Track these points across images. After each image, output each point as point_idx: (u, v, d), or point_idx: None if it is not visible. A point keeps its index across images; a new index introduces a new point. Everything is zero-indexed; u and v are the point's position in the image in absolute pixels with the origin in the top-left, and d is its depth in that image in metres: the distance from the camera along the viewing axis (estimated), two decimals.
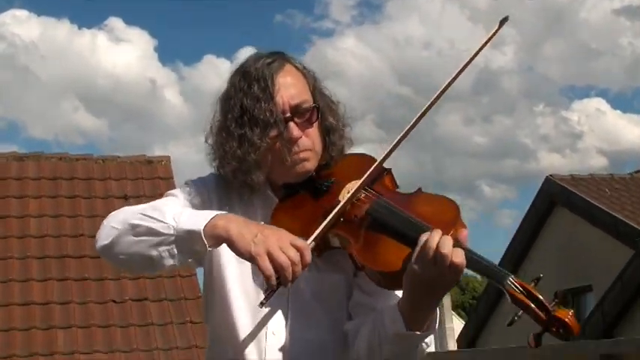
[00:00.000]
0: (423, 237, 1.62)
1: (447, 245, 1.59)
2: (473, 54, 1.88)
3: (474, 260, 1.61)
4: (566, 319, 1.53)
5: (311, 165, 1.90)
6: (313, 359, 1.87)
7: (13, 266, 8.82)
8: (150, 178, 10.33)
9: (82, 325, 8.14)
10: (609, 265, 13.47)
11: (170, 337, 8.16)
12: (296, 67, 1.94)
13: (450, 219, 1.70)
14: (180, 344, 8.00)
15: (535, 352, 3.92)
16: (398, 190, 1.91)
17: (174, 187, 9.94)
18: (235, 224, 1.69)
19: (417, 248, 1.61)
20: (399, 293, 1.73)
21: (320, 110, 1.92)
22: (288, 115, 1.86)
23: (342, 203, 1.77)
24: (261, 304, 1.70)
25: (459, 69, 1.87)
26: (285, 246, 1.65)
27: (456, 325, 15.63)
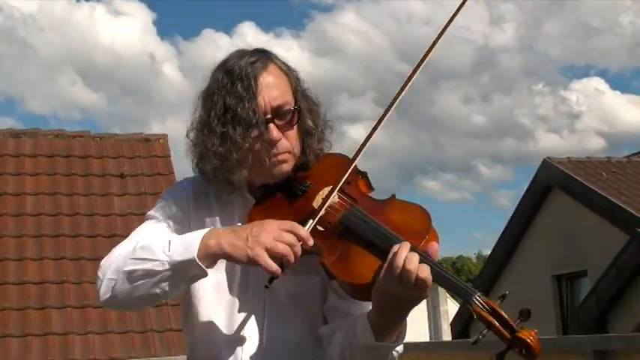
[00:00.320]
0: (392, 251, 1.63)
1: (413, 261, 1.60)
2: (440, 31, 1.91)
3: (440, 276, 1.63)
4: (529, 340, 1.54)
5: (288, 167, 1.91)
6: (291, 359, 1.88)
7: (8, 244, 8.82)
8: (147, 157, 10.31)
9: (77, 306, 8.15)
10: (605, 250, 13.50)
11: (165, 318, 8.17)
12: (279, 67, 1.94)
13: (422, 229, 1.72)
14: (175, 326, 8.01)
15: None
16: (372, 194, 1.92)
17: (171, 166, 9.94)
18: (225, 238, 1.71)
19: (385, 264, 1.63)
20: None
21: (300, 112, 1.93)
22: (269, 116, 1.86)
23: (320, 213, 1.78)
24: (266, 287, 1.73)
25: (433, 42, 1.91)
26: (278, 235, 1.69)
27: (451, 307, 15.63)
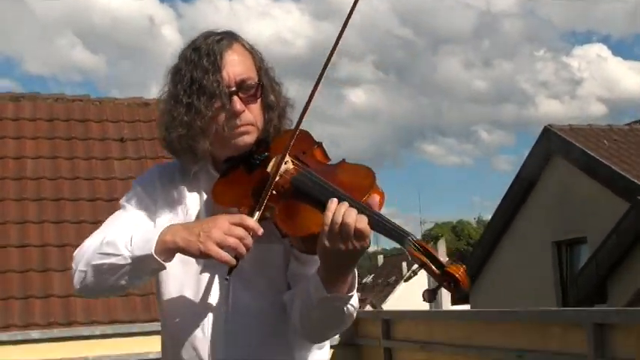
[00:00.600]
0: (331, 204, 1.72)
1: (351, 215, 1.69)
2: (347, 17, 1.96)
3: (378, 223, 1.72)
4: (457, 275, 1.63)
5: (250, 138, 2.01)
6: (256, 327, 1.97)
7: (9, 207, 8.83)
8: (147, 121, 10.25)
9: None
10: (605, 218, 13.52)
11: None
12: (244, 46, 2.06)
13: (365, 185, 1.82)
14: None
15: (527, 316, 3.95)
16: (329, 162, 2.01)
17: None
18: (180, 233, 1.83)
19: (324, 220, 1.71)
20: None
21: (263, 88, 2.04)
22: (233, 89, 1.98)
23: (272, 181, 1.88)
24: (226, 279, 1.86)
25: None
26: (227, 228, 1.79)
27: None
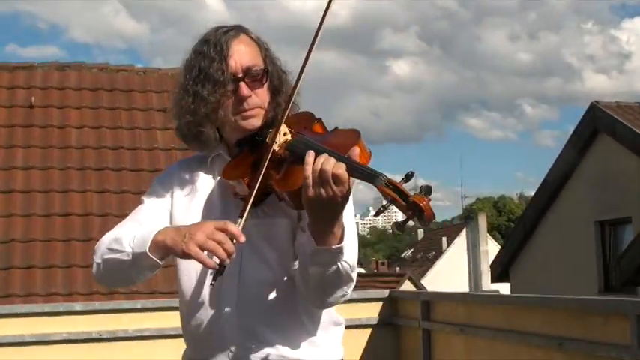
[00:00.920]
0: (309, 157, 1.86)
1: (329, 162, 1.83)
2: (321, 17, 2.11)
3: (354, 169, 1.84)
4: (422, 204, 1.71)
5: (258, 121, 2.16)
6: (267, 297, 2.11)
7: (53, 176, 8.94)
8: None
9: None
10: None
11: None
12: (250, 37, 2.21)
13: (349, 143, 1.94)
14: None
15: (568, 304, 3.89)
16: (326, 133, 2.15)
17: None
18: (170, 234, 1.97)
19: (305, 168, 1.85)
20: None
21: (269, 73, 2.19)
22: (240, 75, 2.13)
23: (269, 153, 2.03)
24: (211, 285, 1.96)
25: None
26: (210, 232, 1.89)
27: (491, 248, 15.60)
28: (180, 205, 2.20)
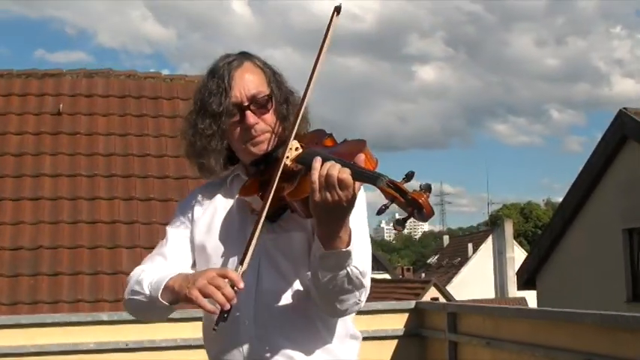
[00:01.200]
0: (316, 163, 1.92)
1: (335, 167, 1.90)
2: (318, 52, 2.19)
3: (359, 173, 1.90)
4: (421, 200, 1.76)
5: (266, 145, 2.24)
6: (283, 309, 2.17)
7: (81, 183, 9.00)
8: None
9: (146, 246, 8.25)
10: None
11: None
12: (255, 64, 2.28)
13: (355, 151, 1.99)
14: None
15: (597, 320, 3.84)
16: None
17: None
18: (178, 281, 2.07)
19: (312, 173, 1.91)
20: None
21: (275, 97, 2.26)
22: (246, 104, 2.20)
23: (283, 159, 2.11)
24: (214, 330, 2.03)
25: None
26: (211, 277, 1.98)
27: (518, 255, 15.50)
28: (202, 227, 2.29)
